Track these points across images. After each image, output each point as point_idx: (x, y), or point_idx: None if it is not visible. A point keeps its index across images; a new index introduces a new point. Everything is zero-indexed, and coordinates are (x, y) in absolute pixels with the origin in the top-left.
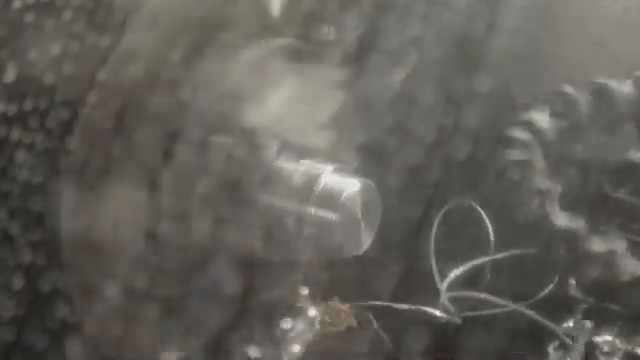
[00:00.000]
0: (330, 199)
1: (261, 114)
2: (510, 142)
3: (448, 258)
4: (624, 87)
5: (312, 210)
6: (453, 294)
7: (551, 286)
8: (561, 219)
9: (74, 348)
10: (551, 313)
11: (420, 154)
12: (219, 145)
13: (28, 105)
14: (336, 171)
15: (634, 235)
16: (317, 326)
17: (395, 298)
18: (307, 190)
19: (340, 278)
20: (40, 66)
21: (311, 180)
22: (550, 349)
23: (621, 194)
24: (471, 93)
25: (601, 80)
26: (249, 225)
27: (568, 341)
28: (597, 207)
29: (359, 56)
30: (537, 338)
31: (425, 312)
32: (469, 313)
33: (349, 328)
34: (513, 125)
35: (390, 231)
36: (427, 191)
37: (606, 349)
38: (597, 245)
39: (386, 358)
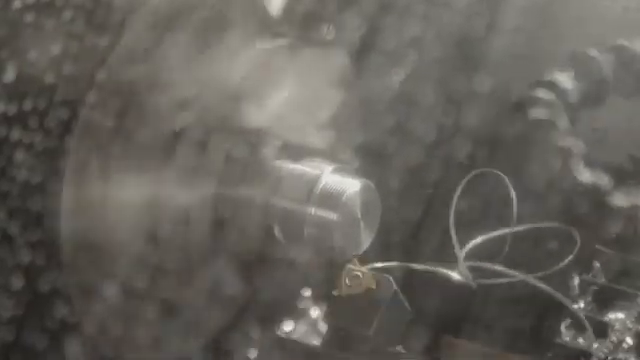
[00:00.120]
0: (330, 199)
1: (261, 114)
2: (534, 102)
3: (469, 227)
4: None
5: (312, 210)
6: (470, 263)
7: (570, 257)
8: (585, 175)
9: (73, 348)
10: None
11: (420, 154)
12: (219, 145)
13: (28, 105)
14: (336, 171)
15: None
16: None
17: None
18: (307, 190)
19: None
20: (40, 66)
21: (311, 180)
22: (562, 327)
23: None
24: (471, 93)
25: (626, 43)
26: (249, 225)
27: (582, 318)
28: (622, 167)
29: (359, 56)
30: (549, 315)
31: (443, 274)
32: (484, 280)
33: (368, 290)
34: (537, 86)
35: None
36: (427, 191)
37: (617, 327)
38: (620, 200)
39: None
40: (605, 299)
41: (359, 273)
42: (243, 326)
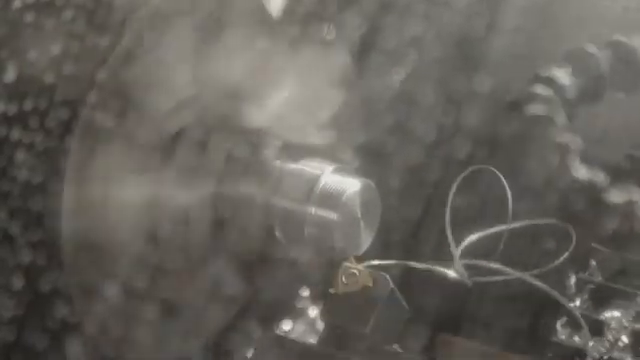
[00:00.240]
0: (330, 199)
1: (262, 114)
2: (531, 98)
3: (466, 225)
4: None
5: (312, 210)
6: (466, 261)
7: (566, 255)
8: (581, 172)
9: (74, 348)
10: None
11: (420, 153)
12: (219, 145)
13: (28, 105)
14: (336, 171)
15: None
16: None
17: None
18: (307, 190)
19: None
20: (40, 66)
21: (311, 180)
22: (558, 325)
23: None
24: (471, 93)
25: (623, 39)
26: (249, 225)
27: (578, 316)
28: (619, 164)
29: (359, 56)
30: (545, 314)
31: (439, 272)
32: (480, 278)
33: (365, 288)
34: (534, 82)
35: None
36: (427, 190)
37: (613, 326)
38: (616, 196)
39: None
40: (601, 297)
41: (355, 271)
42: (243, 326)
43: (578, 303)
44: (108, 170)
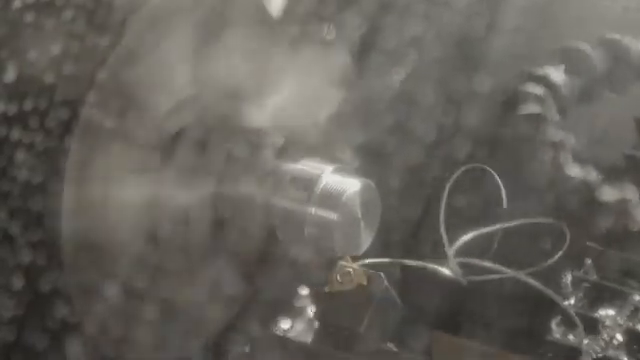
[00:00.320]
0: (330, 199)
1: (261, 113)
2: (525, 96)
3: (463, 224)
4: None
5: (312, 210)
6: (460, 259)
7: (560, 253)
8: (574, 170)
9: (74, 348)
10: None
11: (419, 153)
12: (220, 145)
13: (28, 105)
14: (336, 171)
15: None
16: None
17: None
18: (308, 190)
19: None
20: (40, 66)
21: (311, 180)
22: (553, 324)
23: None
24: (471, 93)
25: (616, 36)
26: (249, 225)
27: (573, 315)
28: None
29: (359, 56)
30: (540, 312)
31: (434, 270)
32: (475, 277)
33: (359, 286)
34: (528, 80)
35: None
36: (426, 191)
37: (608, 324)
38: (609, 194)
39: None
40: (596, 296)
41: (350, 269)
42: (242, 325)
43: (573, 301)
44: (108, 170)
